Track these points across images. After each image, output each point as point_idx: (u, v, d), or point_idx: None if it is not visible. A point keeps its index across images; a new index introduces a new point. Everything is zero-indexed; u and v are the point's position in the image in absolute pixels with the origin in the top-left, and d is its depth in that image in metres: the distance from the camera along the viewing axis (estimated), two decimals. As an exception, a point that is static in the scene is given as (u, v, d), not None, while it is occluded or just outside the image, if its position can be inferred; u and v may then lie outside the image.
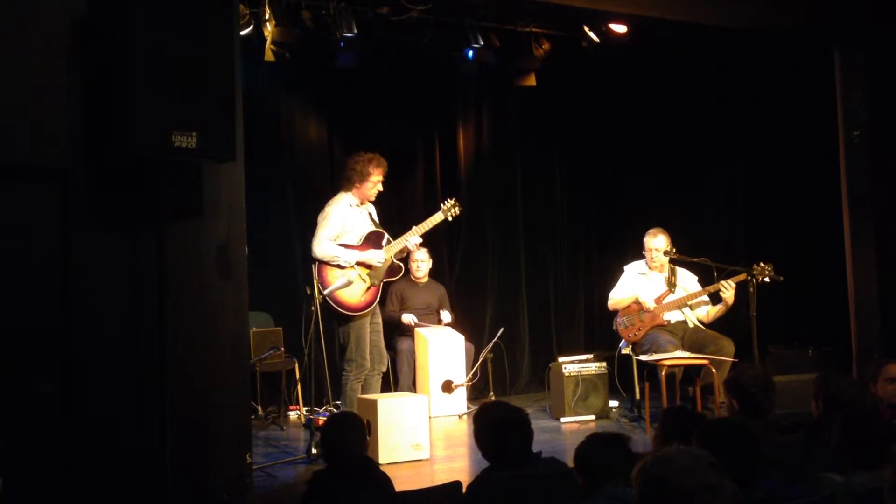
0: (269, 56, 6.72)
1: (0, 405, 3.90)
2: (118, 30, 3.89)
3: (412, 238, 6.34)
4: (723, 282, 6.40)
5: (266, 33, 6.65)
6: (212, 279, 4.43)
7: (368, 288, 6.11)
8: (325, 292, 5.78)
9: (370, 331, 6.18)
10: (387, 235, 6.31)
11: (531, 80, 7.84)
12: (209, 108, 4.05)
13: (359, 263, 6.08)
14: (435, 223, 6.50)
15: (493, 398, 7.21)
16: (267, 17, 6.60)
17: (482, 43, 7.31)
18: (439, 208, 6.56)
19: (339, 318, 6.09)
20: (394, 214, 7.68)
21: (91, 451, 4.03)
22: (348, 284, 5.90)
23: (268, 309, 7.26)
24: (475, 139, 8.53)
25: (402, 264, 6.38)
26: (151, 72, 3.91)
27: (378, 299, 6.24)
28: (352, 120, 7.92)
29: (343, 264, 6.01)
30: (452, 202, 6.55)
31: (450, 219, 6.57)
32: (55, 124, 4.05)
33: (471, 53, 7.48)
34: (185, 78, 3.99)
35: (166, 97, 3.93)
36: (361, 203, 6.20)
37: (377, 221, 6.28)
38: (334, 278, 5.93)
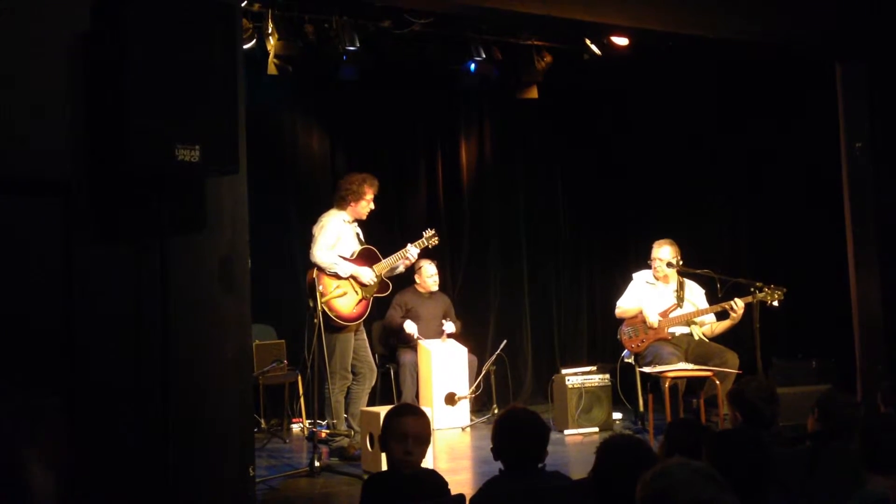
0: (271, 69, 6.76)
1: (1, 418, 3.89)
2: (121, 44, 3.90)
3: (400, 262, 6.36)
4: (732, 301, 6.37)
5: (269, 47, 6.69)
6: (215, 292, 4.43)
7: (360, 301, 6.13)
8: (324, 300, 5.83)
9: (357, 346, 6.17)
10: (377, 253, 6.32)
11: (533, 93, 7.88)
12: (212, 122, 4.06)
13: (352, 276, 6.11)
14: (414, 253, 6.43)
15: (496, 410, 7.22)
16: (270, 30, 6.65)
17: (484, 56, 7.35)
18: (421, 236, 6.51)
19: (328, 327, 6.02)
20: (396, 227, 7.69)
21: (92, 464, 4.02)
22: (342, 295, 5.96)
23: (271, 322, 7.27)
24: (477, 151, 8.55)
25: (389, 282, 6.37)
26: (154, 86, 3.91)
27: (367, 313, 6.23)
28: (354, 133, 7.95)
29: (341, 273, 6.03)
30: (432, 232, 6.55)
31: (430, 246, 6.55)
32: (58, 139, 4.06)
33: (472, 66, 7.53)
34: (187, 91, 4.00)
35: (169, 111, 3.94)
36: (353, 221, 6.23)
37: (363, 240, 6.28)
38: (329, 287, 5.96)
